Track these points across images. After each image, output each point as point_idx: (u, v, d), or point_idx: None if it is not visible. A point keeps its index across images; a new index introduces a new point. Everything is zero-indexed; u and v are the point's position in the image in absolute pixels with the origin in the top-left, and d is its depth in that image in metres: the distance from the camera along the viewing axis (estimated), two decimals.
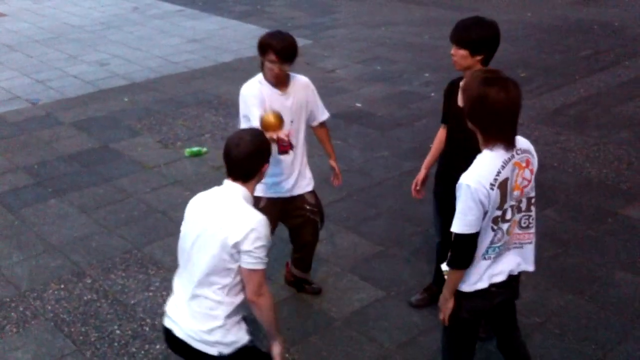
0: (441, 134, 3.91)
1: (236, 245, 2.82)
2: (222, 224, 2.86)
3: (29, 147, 6.65)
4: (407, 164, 6.17)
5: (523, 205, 2.90)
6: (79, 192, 5.77)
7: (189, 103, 7.70)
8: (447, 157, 3.82)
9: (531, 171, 2.88)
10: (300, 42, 10.07)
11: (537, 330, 4.04)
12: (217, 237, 2.85)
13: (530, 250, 3.03)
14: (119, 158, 6.40)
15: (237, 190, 2.94)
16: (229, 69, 8.80)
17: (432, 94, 7.74)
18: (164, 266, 4.60)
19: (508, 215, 2.84)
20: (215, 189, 3.00)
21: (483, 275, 2.92)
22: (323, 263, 4.70)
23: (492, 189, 2.73)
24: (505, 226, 2.86)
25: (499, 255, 2.92)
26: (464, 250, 2.84)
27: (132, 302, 4.33)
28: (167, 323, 3.02)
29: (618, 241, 4.94)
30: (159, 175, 6.06)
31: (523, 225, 2.95)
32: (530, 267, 3.06)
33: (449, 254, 2.89)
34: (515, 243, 2.96)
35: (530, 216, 2.95)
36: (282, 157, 3.73)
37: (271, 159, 3.14)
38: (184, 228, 3.02)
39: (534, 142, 3.45)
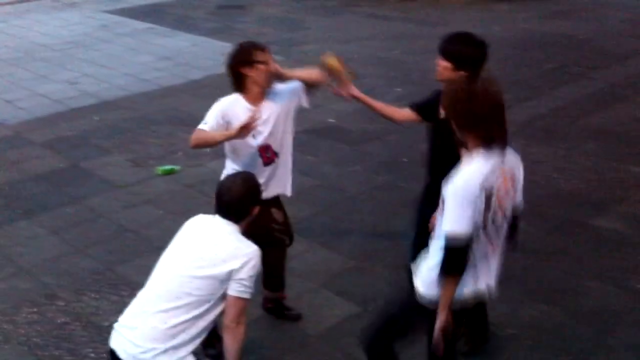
0: (405, 112, 3.93)
1: (231, 273, 2.91)
2: (217, 250, 2.96)
3: None
4: (380, 178, 6.19)
5: (498, 218, 2.88)
6: (49, 212, 5.70)
7: (160, 121, 7.66)
8: (436, 170, 3.71)
9: (513, 186, 2.88)
10: None
11: (510, 342, 4.07)
12: (210, 261, 2.93)
13: (495, 264, 3.00)
14: (89, 177, 6.34)
15: (231, 224, 3.06)
16: (200, 86, 8.77)
17: None
18: (138, 286, 4.48)
19: (489, 225, 2.82)
20: (213, 216, 3.12)
21: (467, 282, 2.86)
22: (296, 279, 4.68)
23: (481, 190, 2.71)
24: (482, 235, 2.83)
25: (475, 266, 2.88)
26: (458, 253, 2.75)
27: (106, 324, 4.25)
28: (113, 341, 3.00)
29: (588, 251, 5.00)
30: (131, 194, 6.01)
31: (495, 237, 2.92)
32: (492, 282, 3.02)
33: (442, 260, 2.79)
34: (488, 255, 2.94)
35: (500, 230, 2.92)
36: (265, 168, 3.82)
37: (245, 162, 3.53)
38: (174, 243, 3.10)
39: None
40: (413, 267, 3.08)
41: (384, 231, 5.28)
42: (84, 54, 10.52)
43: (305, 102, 3.97)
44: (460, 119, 2.79)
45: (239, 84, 3.77)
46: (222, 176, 3.88)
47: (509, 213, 2.91)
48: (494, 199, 2.78)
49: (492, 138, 2.74)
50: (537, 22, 11.77)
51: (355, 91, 3.95)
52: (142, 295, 3.07)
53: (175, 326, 2.89)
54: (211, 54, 10.30)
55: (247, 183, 3.16)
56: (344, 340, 4.09)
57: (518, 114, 7.60)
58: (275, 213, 3.98)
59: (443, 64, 3.56)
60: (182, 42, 11.05)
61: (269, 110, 3.81)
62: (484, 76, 2.81)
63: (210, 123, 3.68)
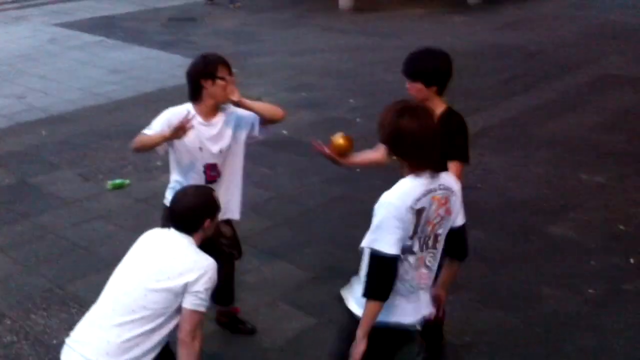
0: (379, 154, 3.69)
1: (186, 286, 2.88)
2: (175, 263, 2.92)
3: None
4: (336, 189, 6.16)
5: (430, 242, 2.82)
6: None
7: (111, 135, 7.50)
8: None
9: (447, 210, 2.81)
10: None
11: (467, 350, 4.07)
12: (167, 274, 2.89)
13: (428, 293, 2.95)
14: (38, 194, 6.17)
15: (186, 237, 3.04)
16: (152, 99, 8.63)
17: (358, 120, 7.79)
18: (88, 304, 4.35)
19: (415, 248, 2.76)
20: (168, 230, 3.09)
21: (391, 311, 2.79)
22: (253, 293, 4.62)
23: (410, 212, 2.66)
24: (412, 259, 2.76)
25: (410, 293, 2.83)
26: (383, 275, 2.68)
27: (54, 342, 4.13)
28: (65, 356, 2.93)
29: (543, 258, 5.05)
30: (81, 209, 5.86)
31: (428, 264, 2.85)
32: (427, 311, 2.93)
33: (365, 282, 2.72)
34: (423, 284, 2.88)
35: (434, 255, 2.86)
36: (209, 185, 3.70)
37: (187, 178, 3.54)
38: (128, 257, 3.06)
39: None
40: (343, 292, 3.01)
41: (342, 243, 5.23)
42: (33, 68, 10.30)
43: (257, 132, 3.87)
44: (394, 151, 2.78)
45: (195, 94, 3.70)
46: (167, 191, 3.84)
47: (442, 238, 2.86)
48: (423, 222, 2.72)
49: (421, 166, 2.73)
50: (490, 34, 11.95)
51: (351, 160, 3.83)
52: (95, 309, 3.02)
53: (129, 340, 2.85)
54: (163, 66, 10.19)
55: (199, 194, 3.13)
56: (302, 353, 4.04)
57: (472, 124, 7.58)
58: (223, 227, 3.90)
59: (415, 87, 3.49)
60: (133, 55, 10.90)
61: (220, 127, 3.75)
62: (413, 105, 2.80)
63: (155, 129, 3.63)
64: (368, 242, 2.69)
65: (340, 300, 3.01)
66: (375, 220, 2.68)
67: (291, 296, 4.61)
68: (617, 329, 4.24)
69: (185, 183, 3.66)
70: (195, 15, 13.62)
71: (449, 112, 3.60)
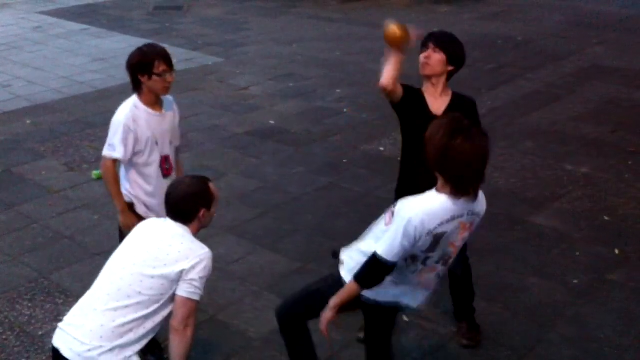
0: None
1: (182, 273, 2.90)
2: (170, 251, 2.93)
3: None
4: (323, 179, 6.16)
5: (451, 261, 2.92)
6: None
7: (96, 124, 7.45)
8: (411, 173, 3.63)
9: (470, 232, 2.87)
10: (212, 59, 9.94)
11: (452, 339, 4.09)
12: (162, 261, 2.91)
13: (428, 294, 3.05)
14: (22, 183, 6.13)
15: (182, 227, 3.05)
16: None
17: (345, 110, 7.79)
18: (73, 294, 4.40)
19: (430, 262, 2.83)
20: (165, 219, 3.11)
21: (387, 291, 2.92)
22: (239, 282, 4.62)
23: (428, 235, 2.69)
24: (420, 267, 2.84)
25: (402, 283, 2.92)
26: (377, 274, 2.79)
27: (40, 333, 4.13)
28: (57, 339, 2.93)
29: (528, 248, 5.08)
30: (66, 199, 5.83)
31: (440, 273, 2.96)
32: (414, 304, 3.05)
33: (360, 270, 2.83)
34: (421, 284, 2.96)
35: (447, 262, 2.94)
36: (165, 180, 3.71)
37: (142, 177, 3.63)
38: (124, 244, 3.08)
39: None
40: (342, 253, 3.09)
41: (328, 232, 5.24)
42: (16, 56, 10.20)
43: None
44: (438, 169, 2.69)
45: (135, 86, 3.71)
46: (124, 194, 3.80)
47: (457, 251, 2.93)
48: (444, 243, 2.77)
49: (463, 190, 2.68)
50: (476, 24, 11.95)
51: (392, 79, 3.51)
52: (90, 293, 3.02)
53: (123, 325, 2.87)
54: None
55: (194, 183, 3.13)
56: None
57: None
58: None
59: (438, 57, 3.50)
60: (118, 44, 10.81)
61: (169, 119, 3.80)
62: (467, 125, 2.65)
63: (119, 149, 3.64)
64: (379, 247, 2.75)
65: (335, 256, 3.11)
66: (392, 229, 2.70)
67: (277, 286, 4.60)
68: (601, 319, 4.28)
69: (145, 180, 3.72)
70: (181, 4, 13.53)
71: (459, 95, 3.65)
